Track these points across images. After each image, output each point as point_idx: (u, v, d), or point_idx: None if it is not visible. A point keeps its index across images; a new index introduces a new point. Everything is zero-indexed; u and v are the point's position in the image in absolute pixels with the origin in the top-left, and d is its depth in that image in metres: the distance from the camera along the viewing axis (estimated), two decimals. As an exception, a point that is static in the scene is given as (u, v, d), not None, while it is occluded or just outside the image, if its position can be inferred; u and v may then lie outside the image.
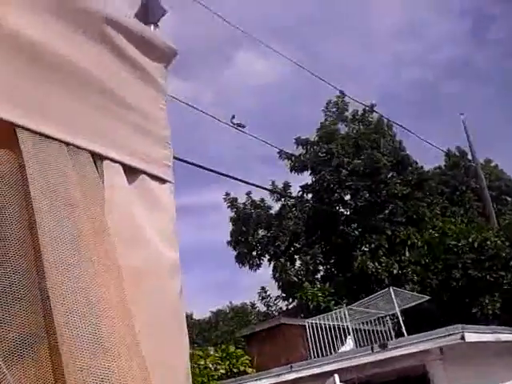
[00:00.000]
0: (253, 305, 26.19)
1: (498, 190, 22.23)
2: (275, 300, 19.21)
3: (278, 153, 19.15)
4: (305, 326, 12.37)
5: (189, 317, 32.11)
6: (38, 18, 1.07)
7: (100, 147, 1.15)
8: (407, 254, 17.54)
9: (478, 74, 42.98)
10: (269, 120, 38.61)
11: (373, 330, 12.56)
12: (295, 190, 20.04)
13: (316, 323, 12.20)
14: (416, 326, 11.42)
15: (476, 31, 46.64)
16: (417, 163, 20.08)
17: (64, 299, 0.95)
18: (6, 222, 0.99)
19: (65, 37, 1.11)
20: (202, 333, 31.11)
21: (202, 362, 11.67)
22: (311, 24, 38.42)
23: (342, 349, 11.18)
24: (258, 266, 19.89)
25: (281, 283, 18.32)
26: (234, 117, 13.06)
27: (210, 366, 11.79)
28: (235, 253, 19.98)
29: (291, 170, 19.56)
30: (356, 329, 12.32)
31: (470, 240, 16.28)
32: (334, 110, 20.38)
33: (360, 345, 11.64)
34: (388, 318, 12.97)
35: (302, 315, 15.59)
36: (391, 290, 12.31)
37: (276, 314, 19.17)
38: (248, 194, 19.88)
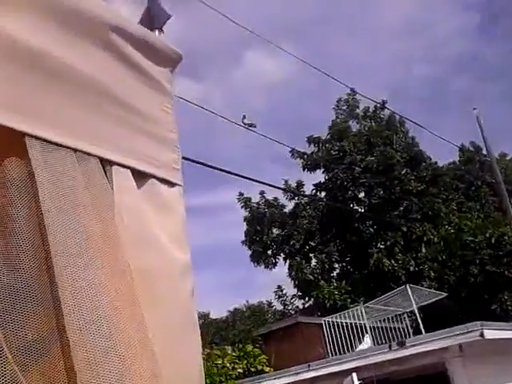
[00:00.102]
0: (269, 303, 26.18)
1: (514, 184, 21.94)
2: (291, 299, 19.21)
3: (291, 151, 19.15)
4: (322, 324, 12.34)
5: (206, 316, 32.24)
6: (44, 27, 1.09)
7: (108, 153, 1.16)
8: (423, 250, 17.40)
9: (488, 69, 42.46)
10: (278, 119, 38.58)
11: (390, 328, 12.49)
12: (308, 189, 20.04)
13: (333, 321, 12.17)
14: (434, 323, 11.33)
15: (484, 26, 46.07)
16: (430, 159, 19.92)
17: (74, 300, 0.97)
18: (18, 227, 1.01)
19: (71, 44, 1.13)
20: (219, 332, 31.19)
21: (220, 362, 11.69)
22: (319, 23, 38.34)
23: (360, 347, 11.15)
24: (274, 264, 19.90)
25: (297, 282, 18.29)
26: (244, 117, 13.03)
27: (228, 365, 11.81)
28: (250, 252, 20.03)
29: (304, 169, 19.55)
30: (373, 327, 12.27)
31: (487, 235, 16.10)
32: (345, 107, 20.30)
33: (378, 343, 11.58)
34: (405, 315, 12.87)
35: (319, 313, 15.57)
36: (408, 287, 12.24)
37: (293, 312, 19.15)
38: (261, 193, 19.91)
